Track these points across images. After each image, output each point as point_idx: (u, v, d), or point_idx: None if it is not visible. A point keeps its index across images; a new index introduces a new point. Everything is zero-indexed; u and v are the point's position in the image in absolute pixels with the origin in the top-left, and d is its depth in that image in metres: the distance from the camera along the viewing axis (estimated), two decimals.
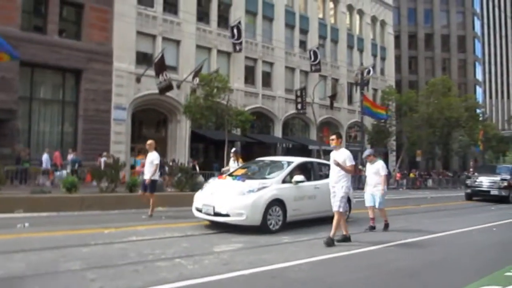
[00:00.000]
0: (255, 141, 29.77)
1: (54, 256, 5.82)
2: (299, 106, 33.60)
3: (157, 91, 24.04)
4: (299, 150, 30.81)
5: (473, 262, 6.80)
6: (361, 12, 42.24)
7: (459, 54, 59.94)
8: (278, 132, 33.04)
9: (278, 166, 9.50)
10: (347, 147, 30.38)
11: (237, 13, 30.06)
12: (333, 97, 36.61)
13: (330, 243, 7.08)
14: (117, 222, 9.11)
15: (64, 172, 17.59)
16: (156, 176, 10.49)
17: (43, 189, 11.99)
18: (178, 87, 25.85)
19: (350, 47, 40.70)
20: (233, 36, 29.06)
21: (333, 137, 7.67)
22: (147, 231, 8.14)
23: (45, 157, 18.93)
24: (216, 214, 8.14)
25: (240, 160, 11.97)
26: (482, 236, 9.47)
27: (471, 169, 40.32)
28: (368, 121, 36.95)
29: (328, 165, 10.05)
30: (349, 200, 10.03)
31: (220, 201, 8.20)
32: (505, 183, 19.06)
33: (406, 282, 5.43)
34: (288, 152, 32.62)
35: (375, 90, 42.53)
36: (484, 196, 19.45)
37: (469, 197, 20.24)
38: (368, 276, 5.56)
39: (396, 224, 10.63)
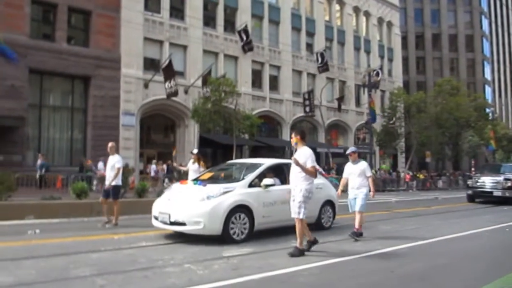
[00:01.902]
0: (263, 145, 29.76)
1: (64, 262, 5.84)
2: (307, 108, 33.52)
3: (164, 96, 24.31)
4: None
5: (485, 264, 6.70)
6: (367, 14, 42.13)
7: (467, 53, 59.48)
8: (286, 135, 32.97)
9: (251, 168, 8.49)
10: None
11: (243, 17, 30.13)
12: (340, 99, 36.52)
13: (295, 253, 6.48)
14: (127, 228, 9.13)
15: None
16: (119, 181, 9.81)
17: (54, 196, 12.06)
18: (186, 92, 25.96)
19: (357, 49, 40.58)
20: (241, 39, 29.15)
21: (294, 134, 6.88)
22: (156, 236, 8.14)
23: (100, 164, 19.23)
24: (172, 222, 7.43)
25: (202, 162, 11.11)
26: (495, 237, 9.34)
27: (473, 169, 39.18)
28: (377, 123, 36.73)
29: None
30: (333, 205, 9.58)
31: (176, 208, 7.48)
32: (509, 183, 17.55)
33: (418, 286, 5.36)
34: None
35: (383, 91, 42.33)
36: (486, 198, 18.04)
37: (471, 198, 18.75)
38: (379, 280, 5.51)
39: (406, 226, 10.56)
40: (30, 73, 20.83)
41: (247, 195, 7.72)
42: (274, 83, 32.74)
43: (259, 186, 7.93)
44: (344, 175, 8.78)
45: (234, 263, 6.01)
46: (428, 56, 59.05)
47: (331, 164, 31.40)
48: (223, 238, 7.29)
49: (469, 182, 19.63)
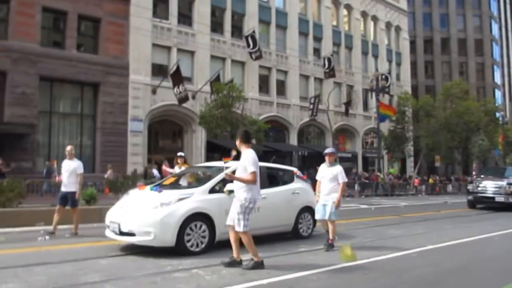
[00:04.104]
0: (271, 150, 29.76)
1: (74, 268, 5.88)
2: (310, 113, 33.51)
3: (172, 102, 24.51)
4: (315, 157, 30.69)
5: (497, 268, 6.62)
6: (375, 18, 42.07)
7: (476, 57, 59.09)
8: (293, 140, 32.98)
9: (217, 172, 7.63)
10: (363, 154, 30.04)
11: (250, 23, 30.25)
12: (348, 103, 36.45)
13: (250, 266, 5.88)
14: None
15: None
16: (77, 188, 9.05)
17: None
18: (193, 97, 26.07)
19: (364, 53, 40.51)
20: (248, 45, 29.25)
21: (236, 136, 6.32)
22: None
23: (155, 171, 19.46)
24: (122, 233, 6.83)
25: (187, 166, 10.64)
26: (506, 241, 9.24)
27: (473, 173, 38.21)
28: (385, 127, 36.60)
29: (282, 170, 9.37)
30: (313, 212, 8.46)
31: (126, 217, 6.88)
32: None
33: None
34: (304, 160, 32.52)
35: (391, 96, 42.15)
36: (488, 203, 16.97)
37: (471, 204, 17.56)
38: (390, 285, 5.48)
39: (415, 230, 10.49)
40: (40, 80, 21.09)
41: (207, 202, 7.04)
42: (281, 88, 32.79)
43: (223, 191, 7.05)
44: (317, 177, 7.95)
45: (242, 268, 6.01)
46: (437, 61, 58.75)
47: None
48: (178, 250, 6.66)
49: (469, 187, 18.45)
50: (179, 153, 11.45)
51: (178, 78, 23.48)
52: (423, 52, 58.35)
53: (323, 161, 8.07)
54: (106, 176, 20.13)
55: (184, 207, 6.78)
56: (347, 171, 32.62)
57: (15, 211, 10.53)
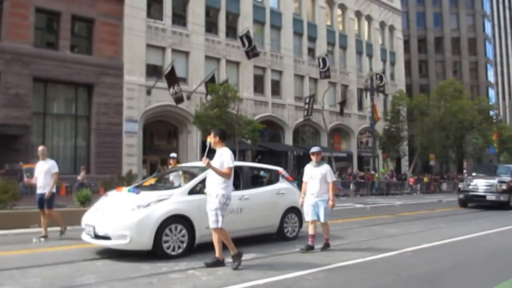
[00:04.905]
0: (266, 150, 29.79)
1: (69, 270, 5.86)
2: (305, 113, 33.59)
3: (167, 102, 24.47)
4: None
5: (494, 266, 6.66)
6: (369, 18, 42.20)
7: (470, 56, 59.42)
8: (288, 140, 33.01)
9: (199, 173, 7.49)
10: (359, 153, 30.10)
11: (245, 23, 30.25)
12: (343, 103, 36.53)
13: (236, 264, 5.99)
14: None
15: None
16: (54, 188, 8.76)
17: (58, 204, 12.06)
18: (188, 98, 26.03)
19: (359, 53, 40.63)
20: (243, 45, 29.23)
21: (213, 133, 6.23)
22: None
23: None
24: (97, 236, 6.60)
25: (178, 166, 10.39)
26: (502, 239, 9.28)
27: (464, 171, 37.89)
28: (379, 127, 36.71)
29: (267, 170, 9.08)
30: (299, 213, 8.38)
31: (102, 220, 6.66)
32: (504, 186, 16.16)
33: None
34: (299, 159, 32.53)
35: (386, 95, 42.29)
36: (479, 202, 16.70)
37: (462, 203, 17.25)
38: (387, 284, 5.49)
39: (411, 229, 10.55)
40: (34, 81, 20.98)
41: (186, 204, 6.81)
42: (276, 88, 32.81)
43: (203, 192, 6.56)
44: (304, 179, 7.63)
45: (239, 268, 6.00)
46: (431, 60, 59.02)
47: (333, 168, 31.37)
48: (155, 253, 6.48)
49: (460, 185, 18.07)
50: (172, 154, 11.36)
51: (173, 78, 23.47)
52: (417, 51, 58.60)
53: None
54: (79, 178, 20.04)
55: (162, 209, 6.55)
56: (343, 171, 33.03)
57: (10, 213, 10.46)
